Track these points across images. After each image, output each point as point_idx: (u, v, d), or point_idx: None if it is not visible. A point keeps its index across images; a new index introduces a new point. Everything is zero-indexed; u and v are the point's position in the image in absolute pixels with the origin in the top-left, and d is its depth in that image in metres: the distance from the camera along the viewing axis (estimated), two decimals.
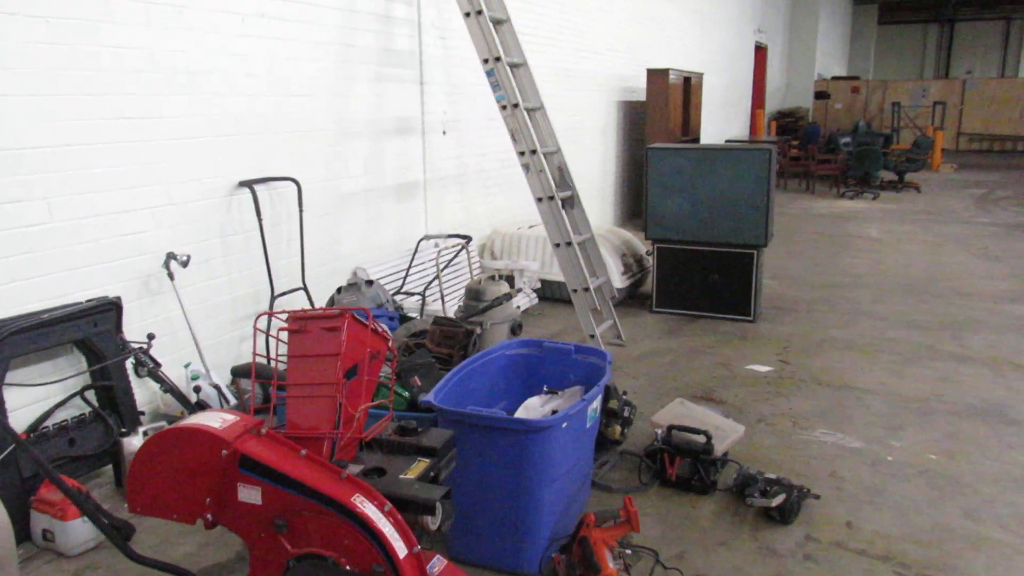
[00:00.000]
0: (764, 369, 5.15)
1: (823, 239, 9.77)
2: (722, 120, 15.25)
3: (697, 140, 11.40)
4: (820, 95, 21.82)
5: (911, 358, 5.34)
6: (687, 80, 10.87)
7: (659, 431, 3.73)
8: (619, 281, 6.52)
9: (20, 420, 3.36)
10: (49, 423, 3.44)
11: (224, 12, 4.22)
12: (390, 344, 2.61)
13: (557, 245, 5.44)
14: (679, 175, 6.18)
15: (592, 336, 5.33)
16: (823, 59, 23.30)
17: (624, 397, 3.98)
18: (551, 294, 6.78)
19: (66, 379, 3.53)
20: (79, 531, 3.12)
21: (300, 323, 2.43)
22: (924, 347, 5.56)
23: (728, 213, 6.07)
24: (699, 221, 6.17)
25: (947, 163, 18.04)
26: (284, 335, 2.45)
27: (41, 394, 3.45)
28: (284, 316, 2.47)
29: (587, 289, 5.40)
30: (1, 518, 2.81)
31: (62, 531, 3.11)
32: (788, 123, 20.04)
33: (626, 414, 3.91)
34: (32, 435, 3.34)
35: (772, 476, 3.43)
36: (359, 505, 2.11)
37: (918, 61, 30.96)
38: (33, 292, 3.41)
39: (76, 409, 3.57)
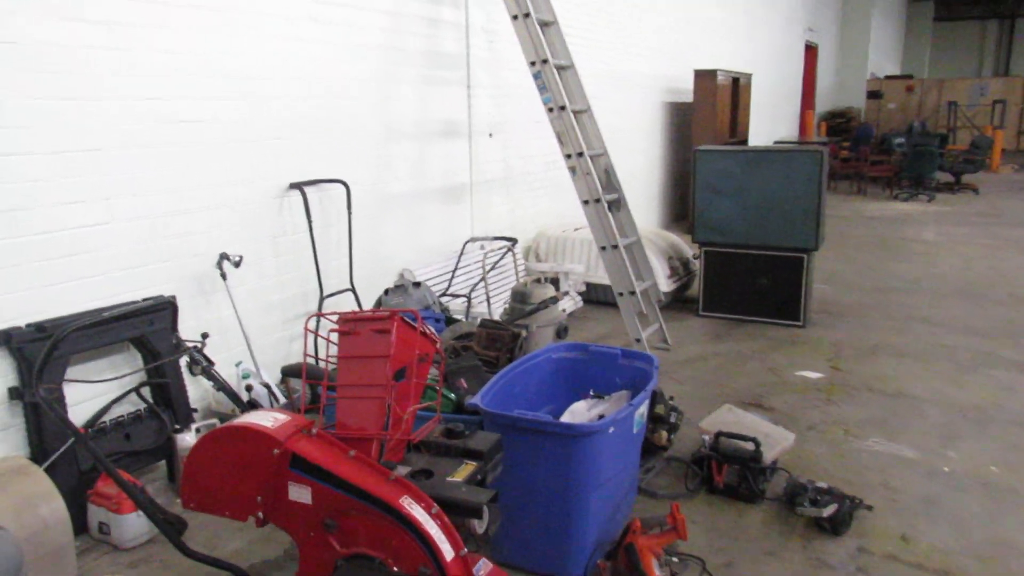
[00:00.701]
0: (815, 376, 5.04)
1: (876, 242, 9.54)
2: (770, 121, 15.00)
3: (745, 142, 11.23)
4: (873, 95, 21.30)
5: (969, 366, 5.17)
6: (735, 81, 10.72)
7: (706, 437, 3.68)
8: (665, 284, 6.46)
9: (79, 415, 3.46)
10: (106, 418, 3.54)
11: (276, 16, 4.29)
12: (438, 346, 2.62)
13: (603, 248, 5.40)
14: (727, 177, 6.09)
15: (638, 340, 5.28)
16: (876, 58, 22.76)
17: (671, 402, 3.93)
18: (596, 297, 6.74)
19: (123, 376, 3.62)
20: (134, 525, 3.20)
21: (350, 325, 2.46)
22: (983, 354, 5.39)
23: (777, 216, 5.96)
24: (747, 224, 6.07)
25: (1007, 164, 17.45)
26: (334, 336, 2.48)
27: (99, 390, 3.55)
28: (334, 317, 2.50)
29: (633, 292, 5.35)
30: (59, 510, 2.90)
31: (117, 524, 3.20)
32: (839, 124, 19.61)
33: (673, 420, 3.86)
34: (90, 430, 3.43)
35: (823, 485, 3.35)
36: (407, 507, 2.13)
37: (976, 58, 30.02)
38: (92, 290, 3.51)
39: (132, 405, 3.66)
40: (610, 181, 5.73)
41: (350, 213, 4.81)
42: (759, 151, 6.44)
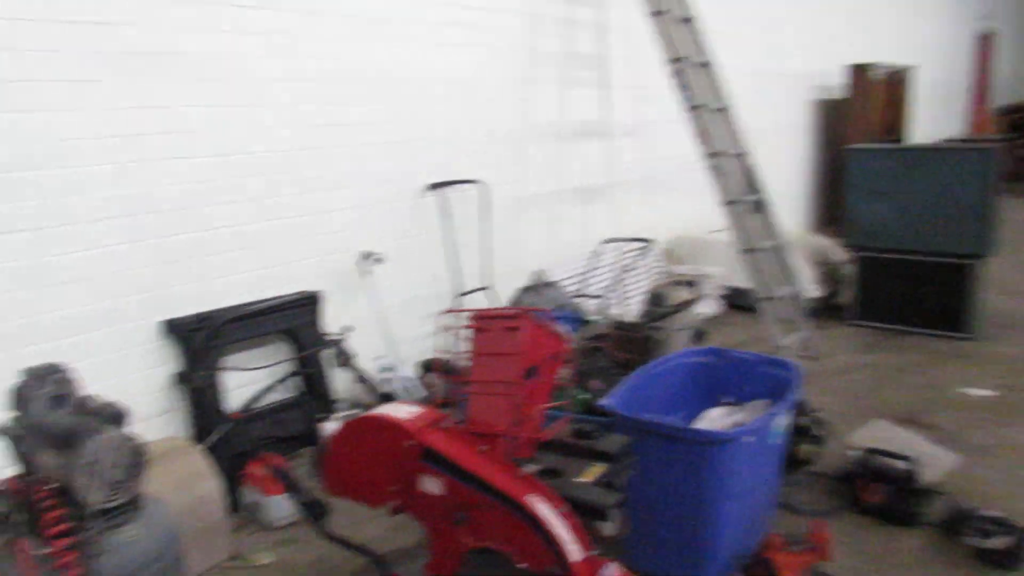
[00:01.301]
0: (983, 393, 4.59)
1: None
2: (935, 118, 13.87)
3: (900, 140, 10.46)
4: None
5: None
6: (893, 75, 10.00)
7: (855, 453, 3.44)
8: (812, 290, 6.12)
9: (236, 400, 3.71)
10: (259, 404, 3.77)
11: (419, 22, 4.43)
12: (569, 346, 2.59)
13: (744, 251, 5.19)
14: (883, 178, 5.71)
15: (780, 347, 5.03)
16: None
17: (816, 414, 3.71)
18: (738, 302, 6.49)
19: (273, 365, 3.85)
20: (282, 506, 3.37)
21: (482, 321, 2.48)
22: None
23: (941, 220, 5.51)
24: (906, 228, 5.66)
25: None
26: (469, 332, 2.50)
27: (253, 378, 3.79)
28: (468, 314, 2.52)
29: (776, 298, 5.10)
30: (214, 489, 3.12)
31: (267, 505, 3.39)
32: (1021, 119, 17.81)
33: (817, 432, 3.64)
34: (244, 415, 3.67)
35: (993, 514, 3.04)
36: (533, 505, 2.11)
37: None
38: (248, 284, 3.76)
39: (281, 393, 3.88)
40: (752, 181, 5.49)
41: (487, 213, 4.89)
42: (920, 149, 6.01)
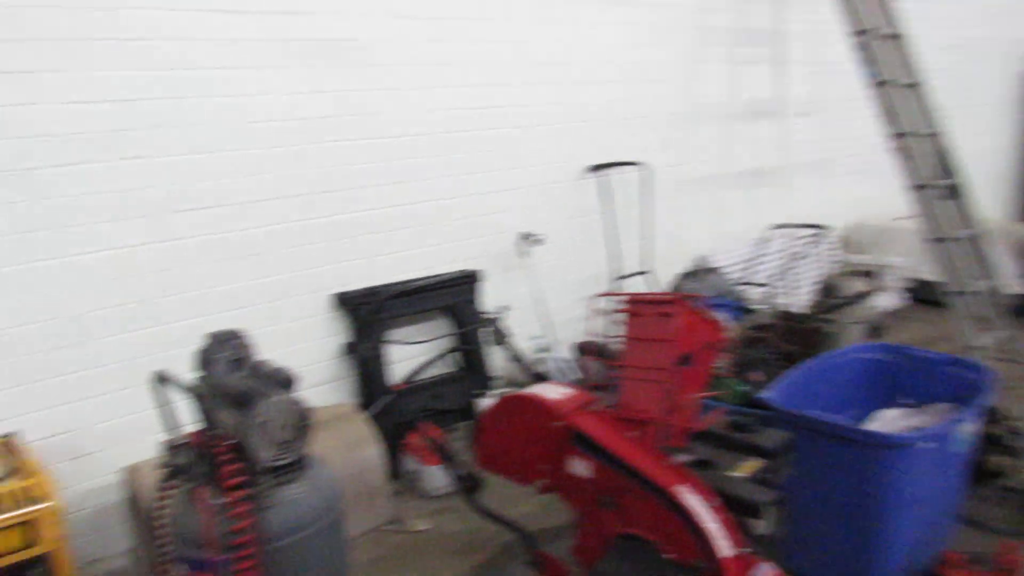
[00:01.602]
0: None
1: None
2: None
3: None
4: None
5: None
6: None
7: None
8: (1015, 286, 5.49)
9: (397, 373, 3.88)
10: (420, 378, 3.93)
11: (585, 2, 4.38)
12: (727, 335, 2.48)
13: (934, 240, 4.73)
14: None
15: (972, 347, 4.54)
16: None
17: (1012, 423, 3.33)
18: (924, 296, 5.95)
19: (434, 340, 3.98)
20: (438, 476, 3.51)
21: (636, 306, 2.43)
22: None
23: None
24: None
25: None
26: (622, 316, 2.46)
27: (414, 352, 3.95)
28: (622, 298, 2.48)
29: (970, 292, 4.61)
30: (376, 455, 3.28)
31: (425, 474, 3.54)
32: None
33: (1012, 444, 3.27)
34: (406, 387, 3.83)
35: None
36: (682, 495, 2.05)
37: None
38: (410, 262, 3.90)
39: (440, 367, 4.02)
40: (946, 164, 4.98)
41: (649, 196, 4.78)
42: None
